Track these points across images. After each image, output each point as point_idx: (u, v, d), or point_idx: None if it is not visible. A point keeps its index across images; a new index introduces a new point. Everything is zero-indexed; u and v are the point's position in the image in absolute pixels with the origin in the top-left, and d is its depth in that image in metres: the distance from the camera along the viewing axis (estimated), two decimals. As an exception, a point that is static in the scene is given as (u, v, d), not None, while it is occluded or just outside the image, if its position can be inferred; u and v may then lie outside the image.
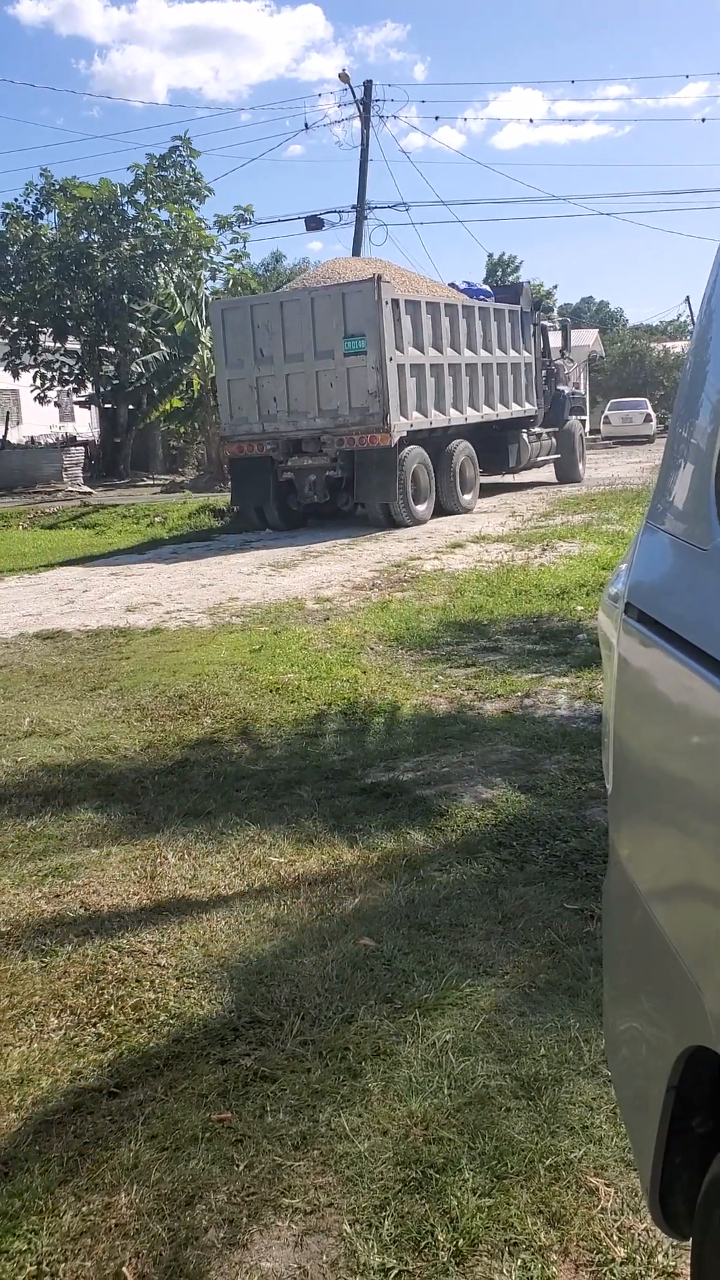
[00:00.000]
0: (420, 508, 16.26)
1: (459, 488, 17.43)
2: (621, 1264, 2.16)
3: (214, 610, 9.85)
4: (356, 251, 31.89)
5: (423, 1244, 2.23)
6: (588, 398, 38.65)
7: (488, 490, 19.59)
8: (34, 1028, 3.14)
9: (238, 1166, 2.50)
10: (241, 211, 31.68)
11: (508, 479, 21.54)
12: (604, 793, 4.36)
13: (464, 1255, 2.19)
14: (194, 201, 31.04)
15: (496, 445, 19.44)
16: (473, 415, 17.97)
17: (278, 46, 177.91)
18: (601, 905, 2.38)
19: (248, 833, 4.50)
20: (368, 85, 31.87)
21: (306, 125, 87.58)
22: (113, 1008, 3.21)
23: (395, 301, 15.59)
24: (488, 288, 20.39)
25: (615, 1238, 2.22)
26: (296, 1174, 2.46)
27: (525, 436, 20.18)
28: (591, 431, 39.12)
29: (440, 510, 16.92)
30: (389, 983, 3.22)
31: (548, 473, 22.15)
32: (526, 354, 20.15)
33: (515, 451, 19.89)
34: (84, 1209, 2.40)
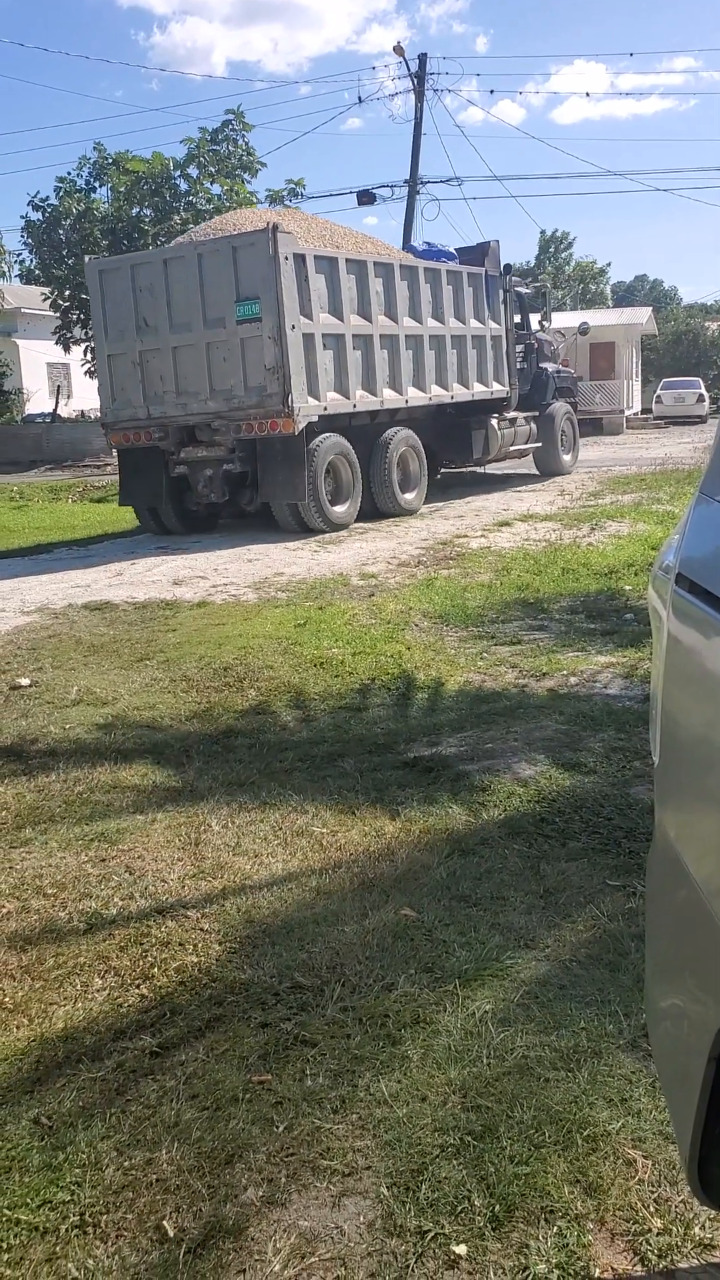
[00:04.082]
0: (339, 509, 13.57)
1: (397, 485, 14.57)
2: (658, 1234, 2.17)
3: (259, 584, 9.89)
4: (408, 226, 31.71)
5: (459, 1208, 2.25)
6: (639, 377, 38.22)
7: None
8: (79, 988, 3.19)
9: (277, 1128, 2.53)
10: (293, 185, 31.60)
11: (474, 471, 19.12)
12: (649, 771, 4.35)
13: (500, 1221, 2.21)
14: (246, 175, 31.02)
15: (458, 433, 16.64)
16: (417, 397, 14.91)
17: (338, 18, 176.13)
18: (644, 882, 2.37)
19: (290, 803, 4.54)
20: (422, 58, 31.61)
21: (360, 99, 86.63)
22: (156, 970, 3.26)
23: (300, 257, 12.67)
24: (452, 250, 17.16)
25: (652, 1208, 2.23)
26: (335, 1137, 2.49)
27: (495, 422, 17.05)
28: (643, 411, 38.79)
29: (375, 512, 14.33)
30: (429, 953, 3.24)
31: (529, 463, 19.42)
32: (494, 325, 16.92)
33: (482, 440, 16.76)
34: (126, 1164, 2.45)
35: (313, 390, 12.86)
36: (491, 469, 19.28)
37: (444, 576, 9.66)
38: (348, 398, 13.54)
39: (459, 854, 3.94)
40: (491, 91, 67.48)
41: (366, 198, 30.88)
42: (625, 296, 75.49)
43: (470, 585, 9.11)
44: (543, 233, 70.44)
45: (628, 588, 8.53)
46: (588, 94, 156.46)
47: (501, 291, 17.19)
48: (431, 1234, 2.19)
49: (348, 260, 13.65)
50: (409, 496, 14.97)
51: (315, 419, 12.91)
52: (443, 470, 17.95)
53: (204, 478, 13.52)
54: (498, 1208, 2.24)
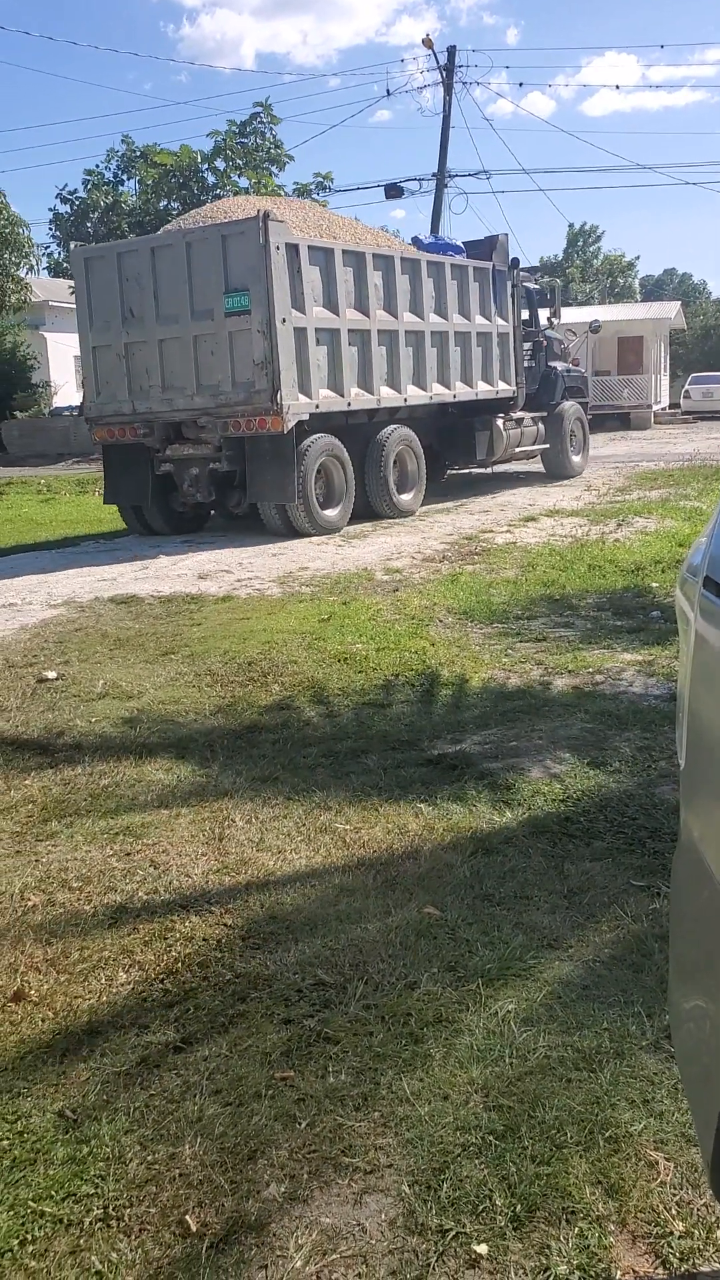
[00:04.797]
0: (330, 512, 12.99)
1: (393, 486, 14.02)
2: (680, 1237, 2.16)
3: (284, 579, 9.91)
4: (436, 220, 31.67)
5: (480, 1208, 2.25)
6: (668, 371, 38.01)
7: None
8: (103, 981, 3.22)
9: (299, 1124, 2.54)
10: (321, 179, 31.65)
11: (495, 469, 18.29)
12: (674, 771, 4.33)
13: (521, 1221, 2.21)
14: (273, 169, 31.06)
15: (462, 434, 16.04)
16: (417, 396, 14.28)
17: (368, 10, 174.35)
18: (669, 882, 2.37)
19: (314, 799, 4.54)
20: (451, 51, 31.58)
21: (389, 92, 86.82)
22: (180, 965, 3.27)
23: (293, 247, 12.05)
24: (460, 244, 16.47)
25: (674, 1211, 2.23)
26: (357, 1134, 2.50)
27: (500, 423, 16.35)
28: (671, 406, 38.56)
29: (370, 513, 13.76)
30: (452, 951, 3.25)
31: (538, 464, 18.67)
32: (500, 321, 16.17)
33: (486, 441, 16.11)
34: (149, 1158, 2.46)
35: (304, 387, 12.28)
36: (515, 467, 19.16)
37: (469, 572, 9.64)
38: (342, 395, 12.94)
39: (483, 852, 3.94)
40: (520, 84, 67.93)
41: (394, 191, 30.85)
42: (654, 290, 75.07)
43: (495, 581, 9.10)
44: (571, 226, 70.16)
45: (655, 584, 8.49)
46: (617, 86, 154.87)
47: (509, 287, 16.48)
48: (452, 1233, 2.20)
49: (344, 251, 12.97)
50: (406, 498, 14.35)
51: (306, 417, 12.34)
52: (449, 472, 17.47)
53: (190, 477, 12.99)
54: (519, 1207, 2.24)
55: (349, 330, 13.02)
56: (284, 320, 11.93)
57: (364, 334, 13.32)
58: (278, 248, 11.82)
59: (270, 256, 11.72)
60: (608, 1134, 2.44)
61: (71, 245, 13.78)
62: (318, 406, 12.51)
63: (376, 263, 13.53)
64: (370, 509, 13.83)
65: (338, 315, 12.86)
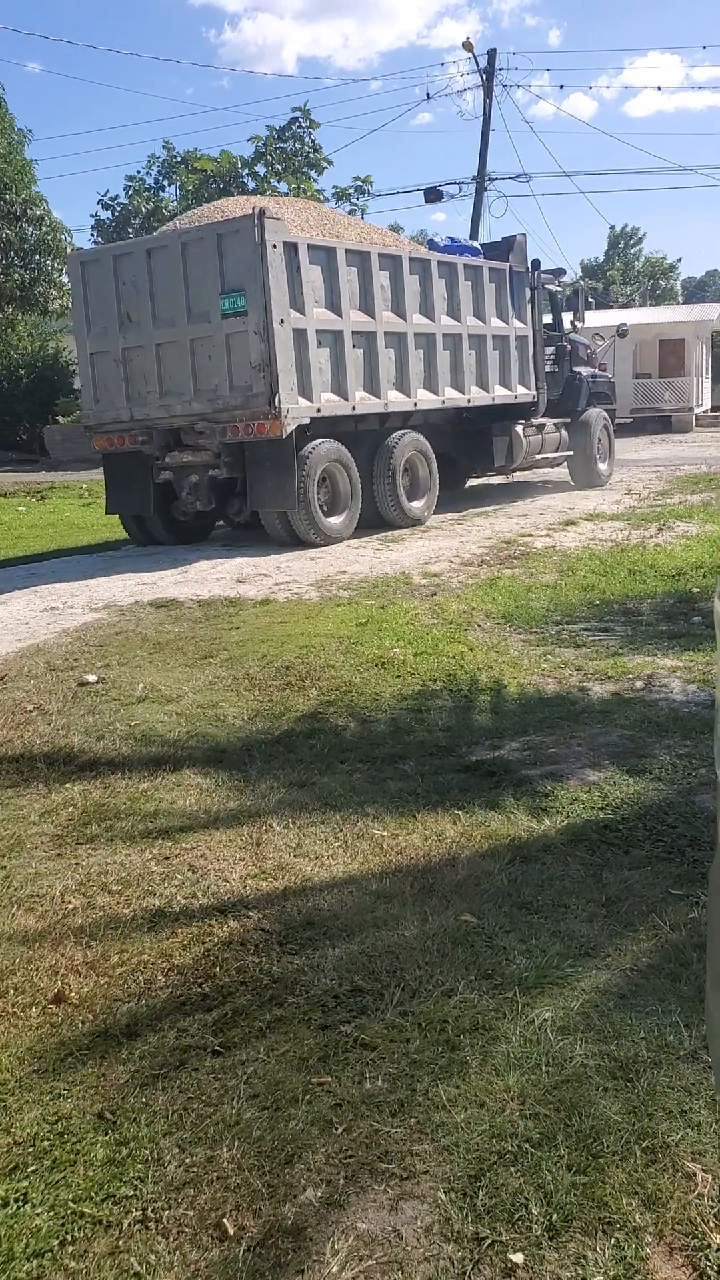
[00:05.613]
0: (334, 520, 12.55)
1: (402, 493, 13.48)
2: (717, 1250, 2.15)
3: (322, 583, 9.93)
4: (475, 224, 31.65)
5: (516, 1216, 2.25)
6: (710, 374, 37.71)
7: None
8: (142, 984, 3.25)
9: (336, 1129, 2.55)
10: (360, 183, 31.72)
11: (518, 478, 17.98)
12: (715, 779, 4.30)
13: (557, 1230, 2.21)
14: (313, 173, 31.17)
15: (480, 440, 15.55)
16: (427, 400, 13.81)
17: (410, 13, 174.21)
18: (707, 892, 2.36)
19: (351, 804, 4.56)
20: (491, 54, 31.57)
21: (428, 95, 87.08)
22: (218, 969, 3.30)
23: (291, 245, 11.60)
24: (477, 245, 16.05)
25: (712, 1223, 2.22)
26: (393, 1140, 2.50)
27: (520, 429, 15.72)
28: (713, 409, 38.22)
29: (379, 522, 13.29)
30: (489, 959, 3.25)
31: (563, 471, 18.17)
32: (519, 324, 15.64)
33: (505, 447, 15.54)
34: (187, 1161, 2.49)
35: (304, 390, 11.78)
36: (549, 473, 18.98)
37: (508, 576, 9.62)
38: (346, 399, 12.45)
39: (520, 860, 3.93)
40: (562, 86, 67.79)
41: (434, 195, 30.80)
42: (695, 292, 74.55)
43: (534, 585, 9.07)
44: (612, 228, 69.71)
45: (696, 589, 8.43)
46: (659, 88, 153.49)
47: (528, 289, 15.92)
48: (488, 1241, 2.20)
49: (348, 251, 12.44)
50: (417, 505, 13.84)
51: (307, 421, 11.85)
52: (470, 480, 17.12)
53: (189, 484, 12.60)
54: (555, 1217, 2.24)
55: (353, 332, 12.57)
56: (282, 321, 11.49)
57: (369, 336, 12.85)
58: (274, 246, 11.38)
59: (266, 255, 11.28)
60: (645, 1144, 2.43)
61: (72, 248, 13.42)
62: (319, 410, 12.06)
63: (383, 262, 13.05)
64: (379, 517, 13.40)
65: (340, 316, 12.39)
